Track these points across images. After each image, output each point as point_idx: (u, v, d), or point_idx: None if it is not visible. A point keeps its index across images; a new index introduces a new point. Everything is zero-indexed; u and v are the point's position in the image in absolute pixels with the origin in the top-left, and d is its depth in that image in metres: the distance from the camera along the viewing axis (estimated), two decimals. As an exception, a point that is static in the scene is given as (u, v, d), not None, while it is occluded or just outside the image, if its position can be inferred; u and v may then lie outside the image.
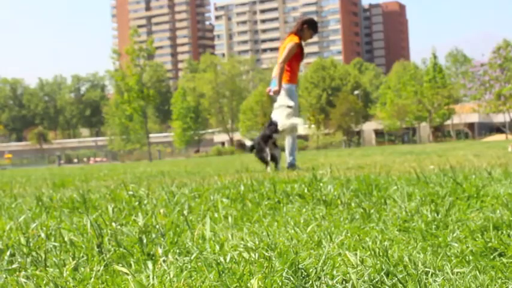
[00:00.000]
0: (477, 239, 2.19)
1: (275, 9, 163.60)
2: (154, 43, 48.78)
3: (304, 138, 73.02)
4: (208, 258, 2.06)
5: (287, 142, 7.73)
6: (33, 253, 2.38)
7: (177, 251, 2.29)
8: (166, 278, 1.90)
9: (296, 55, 7.73)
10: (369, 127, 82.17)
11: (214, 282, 1.82)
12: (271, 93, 7.66)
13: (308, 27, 7.76)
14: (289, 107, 7.41)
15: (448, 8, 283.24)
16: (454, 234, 2.30)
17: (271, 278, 1.79)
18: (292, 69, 7.76)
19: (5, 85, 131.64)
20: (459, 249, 2.09)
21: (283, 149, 7.86)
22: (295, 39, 7.74)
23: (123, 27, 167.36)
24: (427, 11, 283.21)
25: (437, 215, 2.67)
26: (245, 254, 2.09)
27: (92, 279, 1.98)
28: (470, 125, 75.78)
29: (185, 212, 3.26)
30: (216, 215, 3.16)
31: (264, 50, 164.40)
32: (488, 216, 2.53)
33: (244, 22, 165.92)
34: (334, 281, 1.77)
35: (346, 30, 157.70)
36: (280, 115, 7.45)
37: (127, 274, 1.97)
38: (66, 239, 2.56)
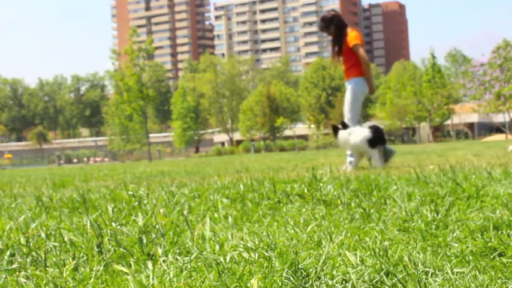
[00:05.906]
0: (477, 239, 2.19)
1: (275, 9, 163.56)
2: (154, 43, 48.77)
3: (304, 138, 73.00)
4: (208, 258, 2.06)
5: None
6: (33, 253, 2.38)
7: (177, 251, 2.29)
8: (166, 278, 1.90)
9: None
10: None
11: (214, 282, 1.82)
12: None
13: None
14: None
15: (448, 8, 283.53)
16: (454, 234, 2.30)
17: (271, 278, 1.79)
18: None
19: (5, 85, 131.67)
20: (459, 249, 2.09)
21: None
22: None
23: (122, 27, 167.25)
24: (427, 11, 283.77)
25: (437, 215, 2.67)
26: (245, 254, 2.09)
27: (92, 279, 1.98)
28: (470, 125, 75.78)
29: (185, 212, 3.26)
30: (216, 215, 3.16)
31: (264, 50, 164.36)
32: (488, 216, 2.53)
33: (244, 22, 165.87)
34: (334, 281, 1.77)
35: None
36: None
37: (127, 274, 1.97)
38: (66, 239, 2.56)
